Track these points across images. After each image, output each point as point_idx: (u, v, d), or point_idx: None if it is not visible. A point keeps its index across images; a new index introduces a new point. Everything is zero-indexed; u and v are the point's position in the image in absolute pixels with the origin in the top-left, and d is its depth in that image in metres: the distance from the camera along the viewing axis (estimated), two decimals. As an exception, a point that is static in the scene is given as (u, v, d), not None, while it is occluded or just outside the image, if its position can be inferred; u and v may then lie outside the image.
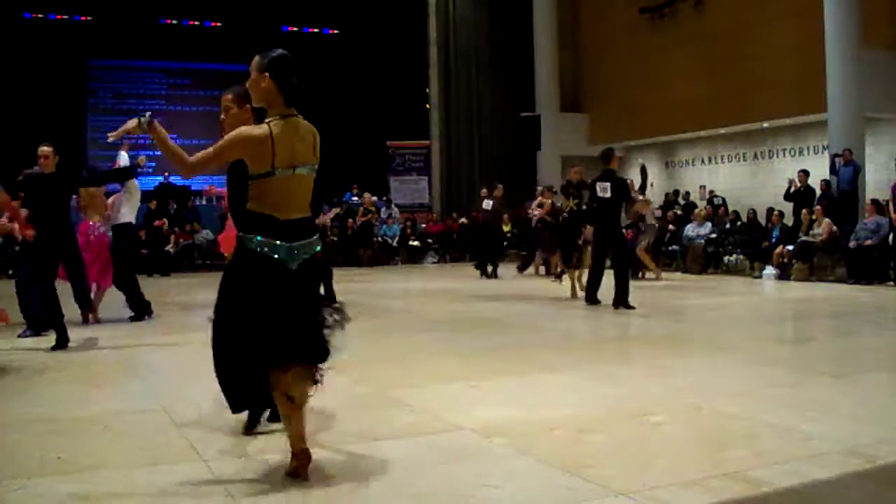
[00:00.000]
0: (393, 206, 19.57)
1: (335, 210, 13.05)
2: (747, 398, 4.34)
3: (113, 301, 8.39)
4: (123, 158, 7.90)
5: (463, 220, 18.55)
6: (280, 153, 3.10)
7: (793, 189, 14.02)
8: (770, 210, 14.16)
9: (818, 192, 13.61)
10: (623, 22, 18.83)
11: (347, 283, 12.45)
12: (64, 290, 6.83)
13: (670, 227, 15.28)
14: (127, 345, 6.82)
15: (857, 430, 3.68)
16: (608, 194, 8.61)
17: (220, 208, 14.32)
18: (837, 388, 4.71)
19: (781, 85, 14.98)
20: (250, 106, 3.53)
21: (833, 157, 13.40)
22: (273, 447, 3.46)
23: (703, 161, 18.81)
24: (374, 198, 19.75)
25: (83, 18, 21.05)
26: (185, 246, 16.44)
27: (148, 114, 3.20)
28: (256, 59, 3.22)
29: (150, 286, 13.45)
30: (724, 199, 16.18)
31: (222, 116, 3.77)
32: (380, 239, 18.16)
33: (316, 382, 3.18)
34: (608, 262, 9.03)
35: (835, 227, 12.26)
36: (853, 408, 4.17)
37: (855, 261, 11.57)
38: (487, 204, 14.20)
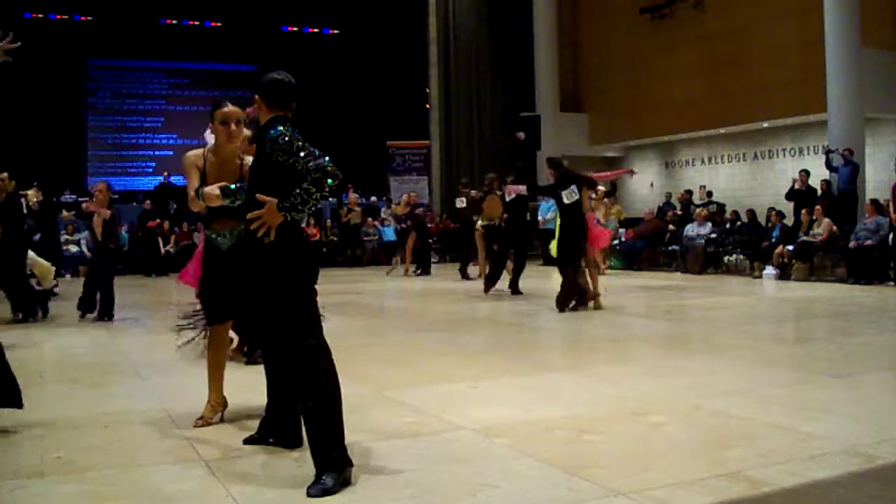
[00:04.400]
0: (393, 206, 19.55)
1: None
2: (747, 398, 4.33)
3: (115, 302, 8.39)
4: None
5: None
6: None
7: (795, 187, 13.99)
8: (770, 210, 14.15)
9: (819, 192, 13.59)
10: (623, 22, 18.82)
11: (346, 284, 12.47)
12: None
13: (671, 227, 15.28)
14: (126, 344, 6.83)
15: (857, 430, 3.68)
16: (576, 196, 8.51)
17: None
18: (837, 388, 4.71)
19: (781, 85, 14.97)
20: None
21: (827, 152, 13.35)
22: (273, 447, 3.47)
23: (703, 161, 18.80)
24: (373, 197, 19.74)
25: (83, 18, 21.08)
26: (185, 246, 16.46)
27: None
28: None
29: (149, 286, 13.51)
30: (722, 206, 15.71)
31: None
32: (374, 238, 18.14)
33: None
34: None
35: (835, 227, 12.25)
36: (853, 408, 4.17)
37: (855, 261, 11.56)
38: (460, 202, 13.95)
